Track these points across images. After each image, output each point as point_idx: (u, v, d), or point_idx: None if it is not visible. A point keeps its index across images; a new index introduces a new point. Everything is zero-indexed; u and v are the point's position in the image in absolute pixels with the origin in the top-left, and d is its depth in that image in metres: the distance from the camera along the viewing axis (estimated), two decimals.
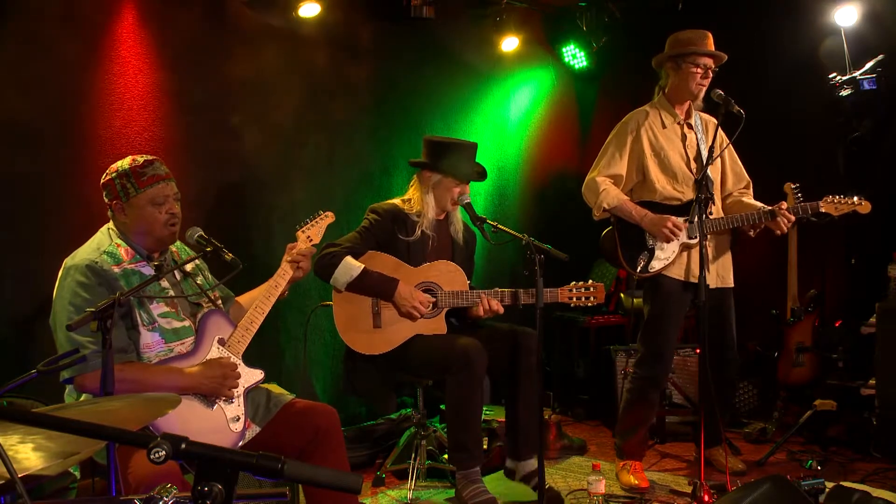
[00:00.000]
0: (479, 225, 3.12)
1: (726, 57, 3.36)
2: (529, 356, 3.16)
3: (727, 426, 3.79)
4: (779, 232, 3.34)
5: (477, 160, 3.39)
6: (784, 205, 3.31)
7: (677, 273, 3.38)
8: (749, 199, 3.49)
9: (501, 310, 3.21)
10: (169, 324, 2.30)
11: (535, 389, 3.08)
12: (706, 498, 2.93)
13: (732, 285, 3.50)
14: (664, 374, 3.57)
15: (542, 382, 3.10)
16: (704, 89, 3.35)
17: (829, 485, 2.76)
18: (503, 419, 3.42)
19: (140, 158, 2.33)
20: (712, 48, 3.34)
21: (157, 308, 2.29)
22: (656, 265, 3.36)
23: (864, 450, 3.80)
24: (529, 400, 3.19)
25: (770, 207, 3.32)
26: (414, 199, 3.34)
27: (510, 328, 3.28)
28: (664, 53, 3.43)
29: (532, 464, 3.23)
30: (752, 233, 3.40)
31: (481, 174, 3.38)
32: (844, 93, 4.24)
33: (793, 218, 3.32)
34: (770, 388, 4.33)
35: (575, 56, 5.56)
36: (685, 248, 3.36)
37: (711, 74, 3.34)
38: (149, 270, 2.31)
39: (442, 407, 3.92)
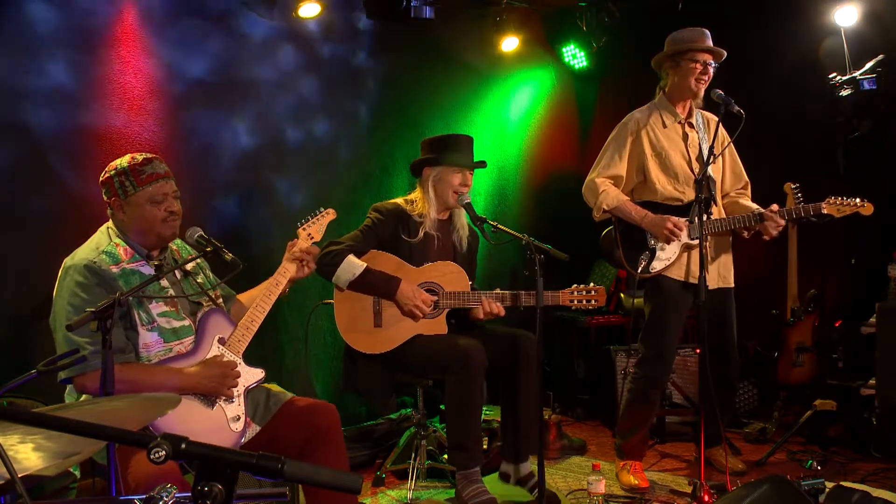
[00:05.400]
0: (479, 225, 3.12)
1: (725, 53, 3.36)
2: (529, 360, 3.16)
3: (727, 426, 3.79)
4: (766, 237, 3.32)
5: (477, 158, 3.40)
6: (775, 207, 3.30)
7: (677, 273, 3.37)
8: (745, 200, 3.48)
9: (502, 312, 3.20)
10: (168, 323, 2.29)
11: (535, 393, 3.09)
12: (706, 498, 2.93)
13: (733, 285, 3.50)
14: (665, 375, 3.57)
15: (541, 383, 3.10)
16: (705, 86, 3.35)
17: (829, 485, 2.76)
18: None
19: (139, 157, 2.33)
20: (710, 45, 3.34)
21: (157, 307, 2.29)
22: (657, 266, 3.36)
23: (864, 450, 3.80)
24: (528, 403, 3.18)
25: (761, 211, 3.31)
26: (417, 199, 3.34)
27: (510, 332, 3.27)
28: (663, 53, 3.42)
29: (527, 466, 3.23)
30: (745, 234, 3.40)
31: (481, 162, 3.39)
32: (844, 93, 4.24)
33: (782, 222, 3.29)
34: (770, 388, 4.33)
35: (575, 56, 5.56)
36: (686, 248, 3.36)
37: (711, 71, 3.33)
38: (148, 270, 2.30)
39: (442, 407, 3.92)
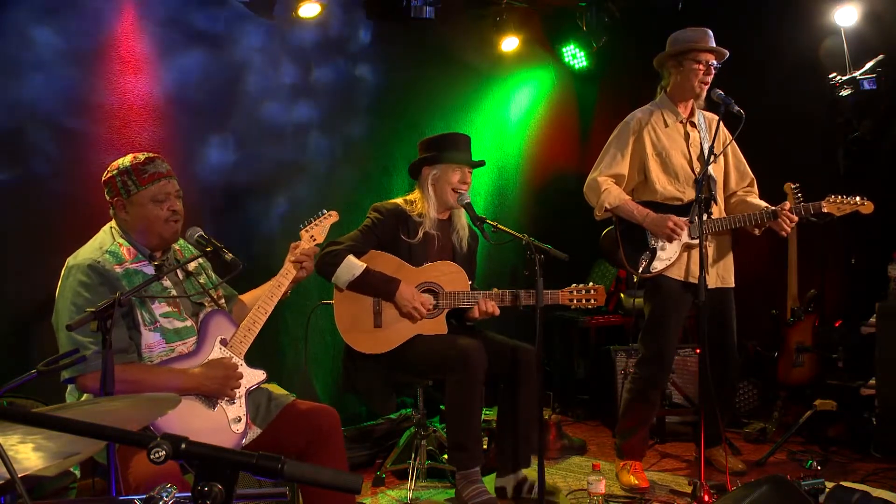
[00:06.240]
0: (479, 225, 3.12)
1: (728, 53, 3.36)
2: (529, 374, 3.14)
3: (727, 426, 3.79)
4: (783, 233, 3.33)
5: (476, 158, 3.40)
6: (787, 205, 3.31)
7: (677, 273, 3.37)
8: (753, 198, 3.48)
9: (497, 312, 3.20)
10: (171, 323, 2.29)
11: (533, 407, 3.09)
12: (706, 498, 2.93)
13: (733, 285, 3.50)
14: (665, 375, 3.57)
15: (541, 386, 3.08)
16: (707, 87, 3.35)
17: (829, 485, 2.76)
18: None
19: (141, 156, 2.33)
20: (713, 45, 3.34)
21: (159, 308, 2.29)
22: (658, 265, 3.36)
23: (864, 450, 3.80)
24: (526, 417, 3.16)
25: (773, 208, 3.32)
26: (417, 200, 3.35)
27: (511, 343, 3.25)
28: (665, 53, 3.42)
29: (521, 474, 3.22)
30: (756, 231, 3.39)
31: (480, 160, 3.40)
32: (844, 93, 4.25)
33: (795, 218, 3.30)
34: (770, 388, 4.33)
35: (575, 56, 5.56)
36: (687, 248, 3.36)
37: (713, 71, 3.33)
38: (151, 270, 2.30)
39: (442, 407, 3.92)
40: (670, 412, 4.31)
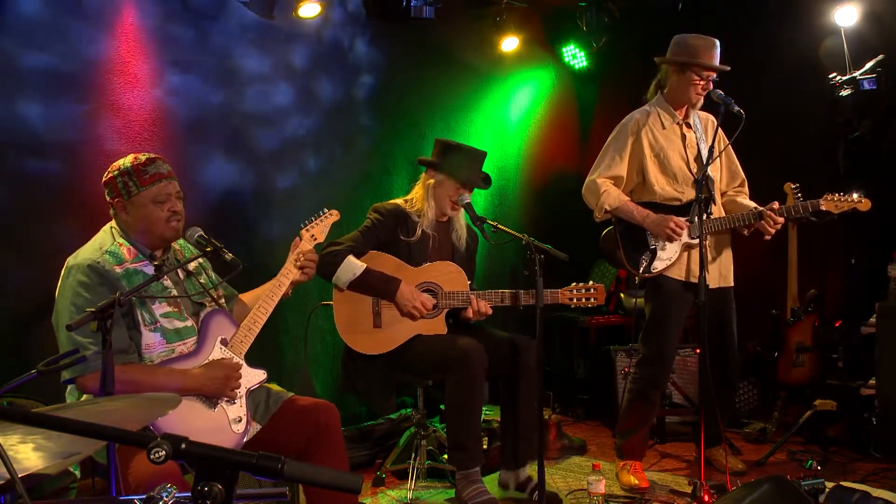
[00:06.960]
0: (479, 225, 3.12)
1: (729, 68, 3.34)
2: (529, 368, 3.16)
3: (727, 426, 3.79)
4: (766, 236, 3.33)
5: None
6: (776, 205, 3.31)
7: (678, 273, 3.37)
8: (743, 198, 3.49)
9: (490, 311, 3.20)
10: (171, 323, 2.29)
11: (534, 400, 3.09)
12: (706, 498, 2.94)
13: (733, 284, 3.50)
14: (665, 375, 3.58)
15: (542, 385, 3.09)
16: (703, 97, 3.36)
17: (829, 485, 2.76)
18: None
19: (142, 157, 2.33)
20: (718, 60, 3.30)
21: (160, 308, 2.29)
22: (659, 265, 3.36)
23: (864, 450, 3.80)
24: (528, 411, 3.18)
25: (759, 209, 3.32)
26: (416, 197, 3.35)
27: (511, 338, 3.26)
28: (669, 58, 3.40)
29: (526, 471, 3.22)
30: (745, 231, 3.40)
31: (485, 181, 3.37)
32: (844, 93, 4.25)
33: (780, 220, 3.30)
34: (770, 388, 4.33)
35: (575, 56, 5.56)
36: (687, 247, 3.36)
37: (713, 86, 3.33)
38: (151, 270, 2.30)
39: (442, 407, 3.92)
40: (670, 412, 4.31)
